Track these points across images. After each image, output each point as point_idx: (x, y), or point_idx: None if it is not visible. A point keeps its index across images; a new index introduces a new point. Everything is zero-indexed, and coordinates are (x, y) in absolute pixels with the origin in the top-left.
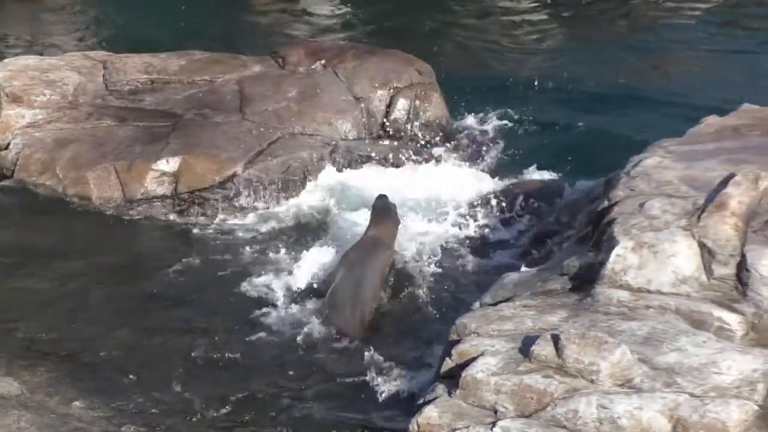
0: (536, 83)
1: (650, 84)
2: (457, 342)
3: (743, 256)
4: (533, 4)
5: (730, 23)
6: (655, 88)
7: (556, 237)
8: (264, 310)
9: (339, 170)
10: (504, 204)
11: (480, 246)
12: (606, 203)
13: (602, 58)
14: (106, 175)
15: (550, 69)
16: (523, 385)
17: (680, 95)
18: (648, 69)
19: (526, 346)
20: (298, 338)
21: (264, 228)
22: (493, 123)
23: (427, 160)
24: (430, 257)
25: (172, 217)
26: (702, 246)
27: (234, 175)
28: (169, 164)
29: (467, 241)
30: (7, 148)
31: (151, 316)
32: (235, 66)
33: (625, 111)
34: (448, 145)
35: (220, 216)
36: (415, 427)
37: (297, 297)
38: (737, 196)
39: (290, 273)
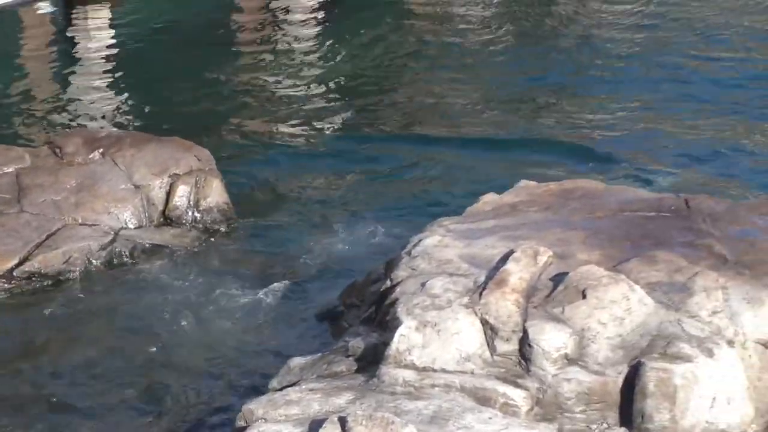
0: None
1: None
2: (244, 429)
3: (525, 331)
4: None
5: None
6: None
7: (341, 318)
8: None
9: (120, 259)
10: (289, 286)
11: (265, 329)
12: (388, 283)
13: None
14: None
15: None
16: None
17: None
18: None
19: (312, 431)
20: None
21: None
22: (277, 204)
23: (209, 246)
24: (214, 339)
25: None
26: (484, 323)
27: (12, 268)
28: None
29: (252, 325)
30: None
31: None
32: (11, 158)
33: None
34: (230, 229)
35: None
36: None
37: None
38: (517, 273)
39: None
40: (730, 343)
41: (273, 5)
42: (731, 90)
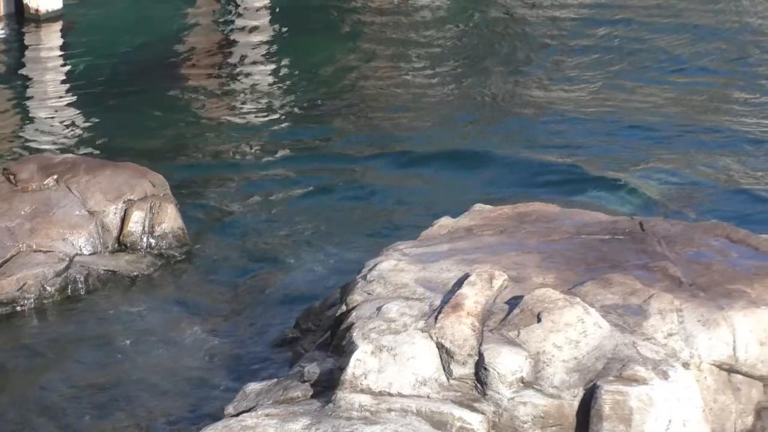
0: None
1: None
2: None
3: (481, 355)
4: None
5: None
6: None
7: (297, 343)
8: None
9: (74, 286)
10: (245, 312)
11: (220, 355)
12: (344, 308)
13: None
14: None
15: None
16: None
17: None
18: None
19: None
20: None
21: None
22: (232, 229)
23: (164, 272)
24: (169, 365)
25: None
26: (440, 347)
27: None
28: None
29: (207, 351)
30: None
31: None
32: None
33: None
34: (185, 255)
35: None
36: None
37: None
38: (473, 296)
39: None
40: (686, 365)
41: (229, 28)
42: (693, 100)
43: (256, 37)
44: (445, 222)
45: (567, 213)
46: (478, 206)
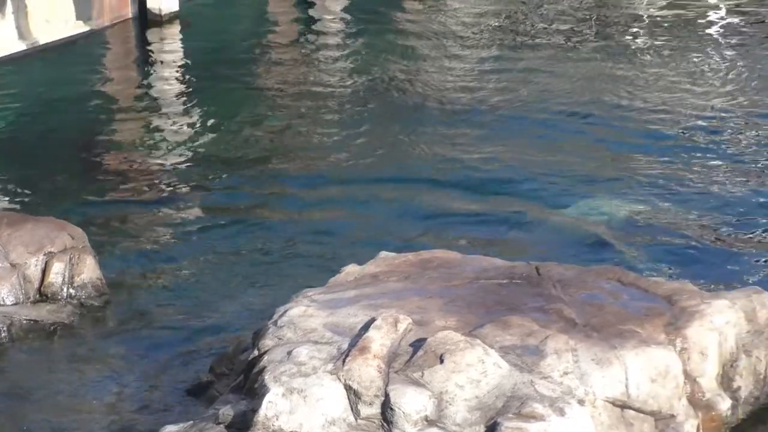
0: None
1: None
2: None
3: (387, 395)
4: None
5: None
6: None
7: (212, 387)
8: None
9: None
10: (161, 357)
11: (138, 400)
12: (256, 353)
13: None
14: None
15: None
16: None
17: None
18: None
19: None
20: None
21: None
22: (148, 278)
23: (83, 320)
24: (89, 411)
25: None
26: (348, 388)
27: None
28: None
29: (125, 396)
30: None
31: None
32: None
33: None
34: (103, 304)
35: None
36: None
37: None
38: (378, 340)
39: None
40: (581, 402)
41: (144, 74)
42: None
43: (173, 86)
44: (352, 269)
45: (467, 259)
46: (383, 254)
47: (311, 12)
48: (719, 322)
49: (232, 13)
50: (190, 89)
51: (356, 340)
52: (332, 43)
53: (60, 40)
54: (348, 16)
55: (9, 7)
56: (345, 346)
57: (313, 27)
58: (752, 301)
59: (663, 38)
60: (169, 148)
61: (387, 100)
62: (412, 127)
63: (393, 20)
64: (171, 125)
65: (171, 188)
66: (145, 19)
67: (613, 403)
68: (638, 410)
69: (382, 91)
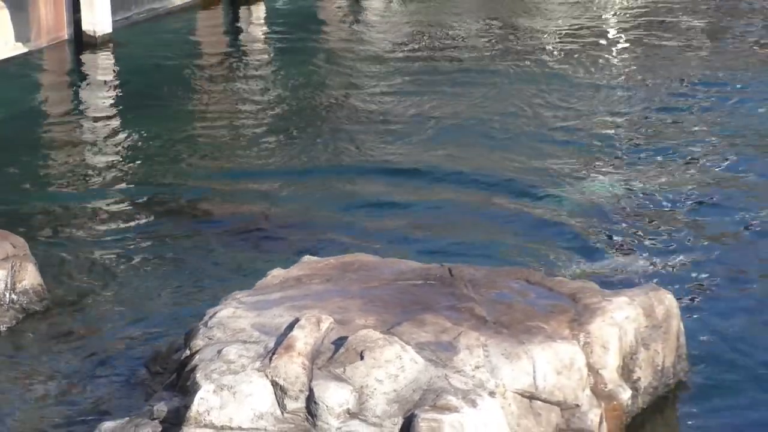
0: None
1: None
2: None
3: (311, 390)
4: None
5: None
6: None
7: (147, 384)
8: None
9: None
10: (99, 358)
11: (76, 398)
12: (188, 352)
13: None
14: None
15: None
16: None
17: None
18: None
19: None
20: None
21: None
22: (88, 283)
23: (25, 324)
24: (28, 411)
25: None
26: (275, 384)
27: None
28: None
29: (64, 395)
30: None
31: None
32: None
33: None
34: (44, 309)
35: None
36: None
37: None
38: (303, 338)
39: None
40: (492, 394)
41: (78, 94)
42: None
43: (106, 105)
44: (277, 273)
45: (385, 262)
46: (306, 258)
47: (240, 36)
48: (619, 318)
49: (164, 36)
50: (122, 108)
51: (282, 339)
52: (259, 63)
53: None
54: (274, 40)
55: None
56: (271, 344)
57: (242, 49)
58: (650, 298)
59: (570, 46)
60: (104, 165)
61: (315, 110)
62: (342, 136)
63: (316, 43)
64: (105, 143)
65: (107, 201)
66: (81, 42)
67: (522, 395)
68: (545, 401)
69: (306, 105)
